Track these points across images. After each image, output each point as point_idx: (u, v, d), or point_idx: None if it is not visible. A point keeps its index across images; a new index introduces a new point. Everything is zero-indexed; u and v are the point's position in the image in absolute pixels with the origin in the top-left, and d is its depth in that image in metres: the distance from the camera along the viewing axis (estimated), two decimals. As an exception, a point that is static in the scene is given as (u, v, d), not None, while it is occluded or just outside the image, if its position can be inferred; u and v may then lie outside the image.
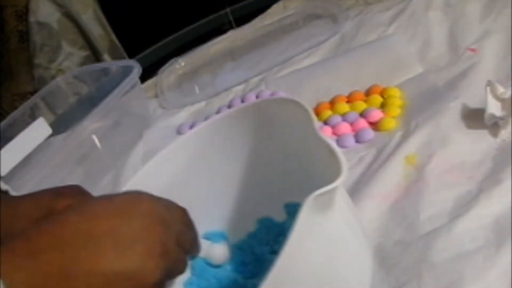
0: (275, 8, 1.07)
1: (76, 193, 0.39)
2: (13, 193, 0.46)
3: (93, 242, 0.31)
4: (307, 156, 0.44)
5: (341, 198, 0.38)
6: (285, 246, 0.31)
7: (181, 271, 0.37)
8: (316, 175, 0.39)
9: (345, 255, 0.37)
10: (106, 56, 1.26)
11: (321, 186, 0.33)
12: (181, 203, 0.39)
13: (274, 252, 0.48)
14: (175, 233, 0.35)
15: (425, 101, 0.65)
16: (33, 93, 1.07)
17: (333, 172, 0.34)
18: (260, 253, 0.49)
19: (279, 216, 0.51)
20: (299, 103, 0.43)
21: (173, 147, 0.49)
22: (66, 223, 0.32)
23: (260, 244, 0.50)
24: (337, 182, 0.33)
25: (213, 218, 0.50)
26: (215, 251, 0.46)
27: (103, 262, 0.31)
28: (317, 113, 0.71)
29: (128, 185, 0.46)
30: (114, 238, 0.31)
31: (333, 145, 0.37)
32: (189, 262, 0.41)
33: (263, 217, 0.51)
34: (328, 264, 0.36)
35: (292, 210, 0.49)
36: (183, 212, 0.39)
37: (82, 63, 1.25)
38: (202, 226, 0.43)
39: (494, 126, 0.55)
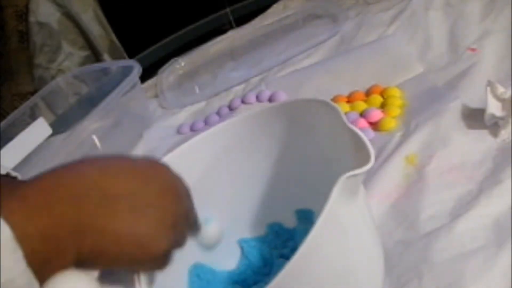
0: (275, 8, 1.07)
1: None
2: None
3: (109, 200, 0.31)
4: (331, 158, 0.44)
5: (362, 191, 0.38)
6: (317, 222, 0.31)
7: (182, 245, 0.37)
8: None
9: (362, 249, 0.37)
10: (106, 56, 1.26)
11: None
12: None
13: (283, 256, 0.48)
14: (184, 207, 0.36)
15: (425, 101, 0.65)
16: (33, 93, 1.07)
17: (358, 160, 0.35)
18: (269, 256, 0.48)
19: (289, 222, 0.50)
20: (329, 104, 0.43)
21: (201, 138, 0.48)
22: (84, 178, 0.31)
23: (269, 247, 0.49)
24: (367, 167, 0.34)
25: (222, 216, 0.49)
26: (208, 231, 0.45)
27: (117, 221, 0.31)
28: (317, 113, 0.71)
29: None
30: (130, 201, 0.31)
31: (360, 133, 0.38)
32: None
33: (273, 222, 0.51)
34: (344, 256, 0.36)
35: (303, 216, 0.49)
36: (189, 189, 0.39)
37: (82, 63, 1.25)
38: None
39: (494, 126, 0.55)
